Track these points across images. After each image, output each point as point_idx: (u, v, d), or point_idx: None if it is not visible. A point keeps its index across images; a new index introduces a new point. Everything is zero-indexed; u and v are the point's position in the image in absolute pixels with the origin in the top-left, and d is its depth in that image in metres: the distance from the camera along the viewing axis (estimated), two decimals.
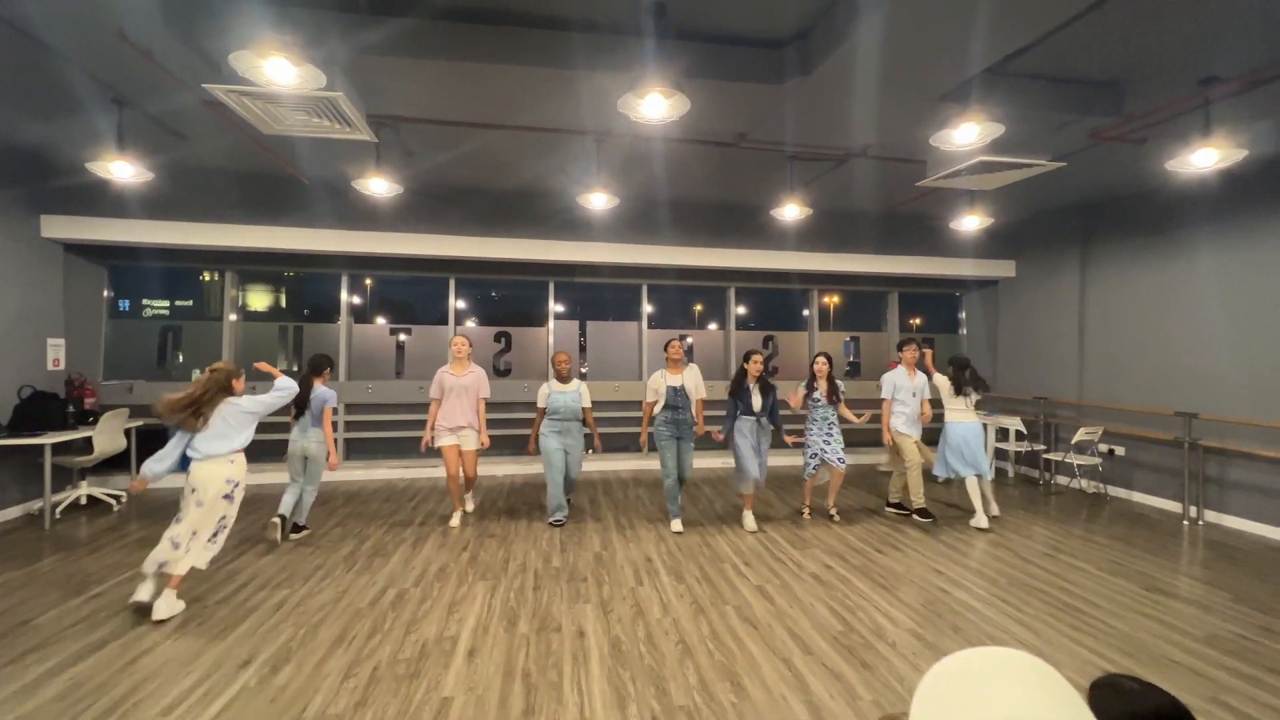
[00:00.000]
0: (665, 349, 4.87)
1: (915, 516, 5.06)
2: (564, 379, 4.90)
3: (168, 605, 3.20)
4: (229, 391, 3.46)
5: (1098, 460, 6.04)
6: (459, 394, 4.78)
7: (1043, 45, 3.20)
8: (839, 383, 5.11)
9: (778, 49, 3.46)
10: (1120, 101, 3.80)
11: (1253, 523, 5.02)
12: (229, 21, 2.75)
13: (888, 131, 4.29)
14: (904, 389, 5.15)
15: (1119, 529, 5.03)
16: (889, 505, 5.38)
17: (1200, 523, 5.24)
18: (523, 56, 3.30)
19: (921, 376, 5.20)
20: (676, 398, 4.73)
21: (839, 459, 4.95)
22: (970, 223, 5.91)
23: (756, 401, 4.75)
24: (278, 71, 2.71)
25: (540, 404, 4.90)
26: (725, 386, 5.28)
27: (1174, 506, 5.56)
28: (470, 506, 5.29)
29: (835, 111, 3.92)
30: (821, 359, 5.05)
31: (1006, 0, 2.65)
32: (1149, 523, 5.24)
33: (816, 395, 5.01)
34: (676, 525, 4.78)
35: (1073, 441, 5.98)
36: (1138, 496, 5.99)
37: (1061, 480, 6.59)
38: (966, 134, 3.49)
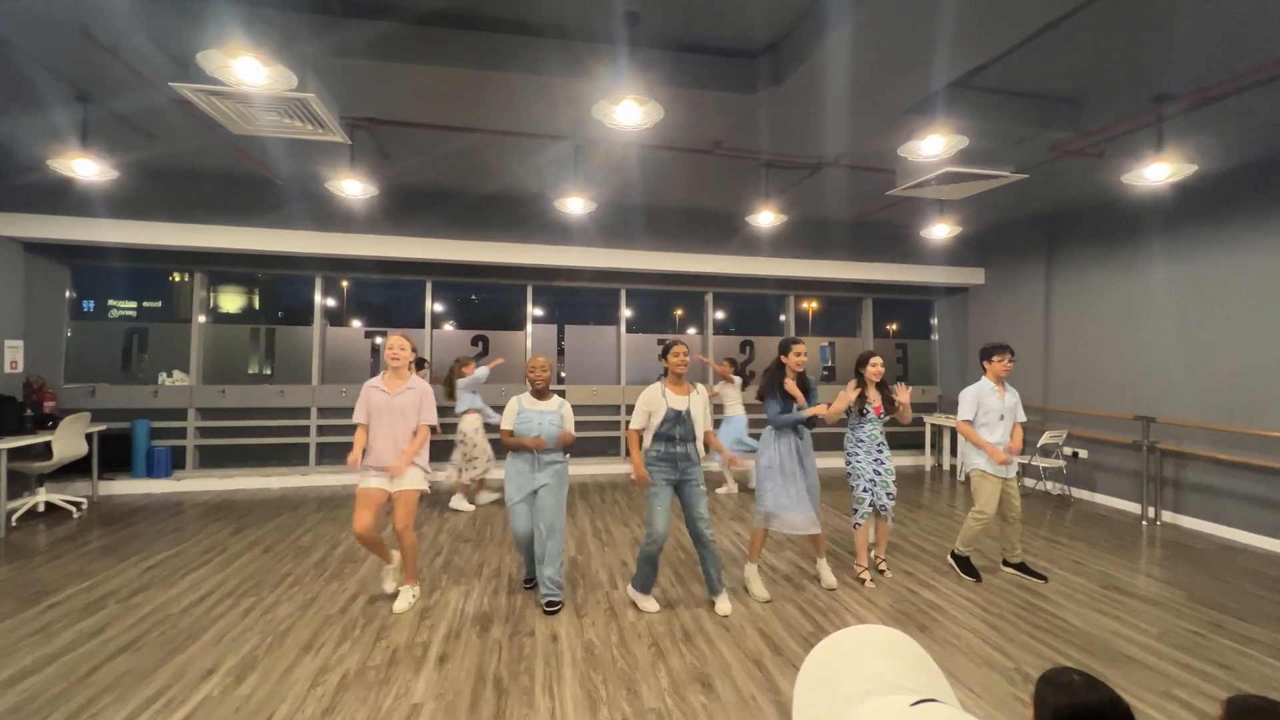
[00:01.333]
0: (664, 356, 3.41)
1: (953, 562, 4.11)
2: (541, 393, 3.53)
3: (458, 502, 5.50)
4: (458, 375, 5.60)
5: (1062, 463, 6.22)
6: (393, 418, 3.36)
7: (1003, 62, 3.32)
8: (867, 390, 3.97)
9: (750, 59, 3.53)
10: (1079, 116, 3.94)
11: (1207, 522, 5.21)
12: (198, 21, 2.72)
13: (858, 141, 4.38)
14: (991, 409, 3.97)
15: (1081, 529, 5.19)
16: (1006, 564, 4.17)
17: (1158, 523, 5.42)
18: (497, 62, 3.31)
19: (1013, 394, 4.05)
20: (677, 425, 3.31)
21: (886, 501, 3.90)
22: (940, 231, 6.06)
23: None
24: (247, 71, 2.68)
25: (506, 425, 3.47)
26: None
27: (1134, 507, 5.75)
28: (403, 604, 3.41)
29: (806, 121, 4.00)
30: (877, 358, 3.94)
31: (966, 18, 2.75)
32: (1110, 523, 5.41)
33: (866, 409, 3.90)
34: (649, 602, 3.43)
35: (1038, 444, 6.15)
36: (1100, 498, 6.18)
37: (1029, 482, 6.76)
38: (932, 145, 3.60)
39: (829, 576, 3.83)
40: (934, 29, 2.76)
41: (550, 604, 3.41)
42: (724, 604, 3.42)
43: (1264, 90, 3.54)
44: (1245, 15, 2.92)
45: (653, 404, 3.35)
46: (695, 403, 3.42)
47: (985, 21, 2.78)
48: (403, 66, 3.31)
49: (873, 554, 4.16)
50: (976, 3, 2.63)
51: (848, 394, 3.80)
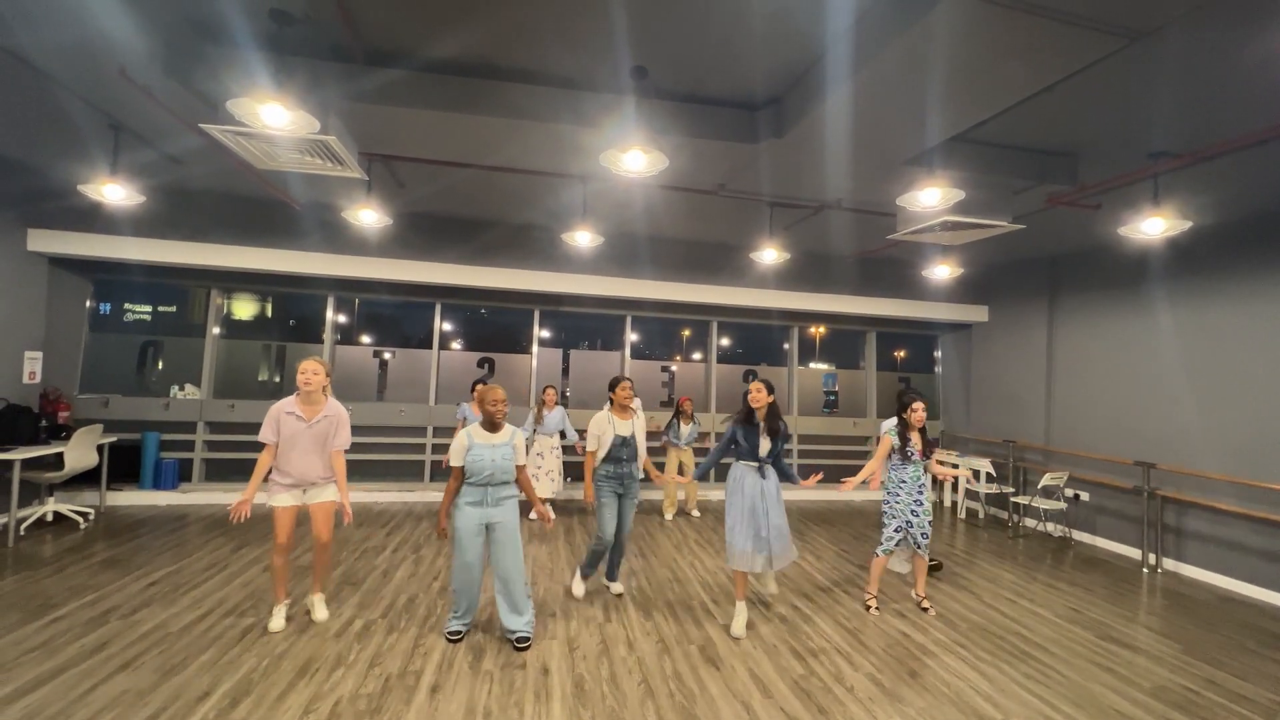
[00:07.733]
0: (612, 389, 4.02)
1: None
2: (494, 425, 3.35)
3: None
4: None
5: (1063, 505, 6.19)
6: (307, 446, 3.34)
7: (1000, 117, 3.41)
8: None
9: (751, 111, 3.66)
10: (1074, 171, 4.03)
11: (1207, 572, 5.16)
12: (229, 70, 2.88)
13: (858, 188, 4.49)
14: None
15: (1080, 575, 5.15)
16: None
17: (1159, 571, 5.38)
18: (510, 110, 3.46)
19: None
20: (624, 449, 3.96)
21: (922, 539, 4.04)
22: (942, 271, 6.14)
23: (764, 445, 3.69)
24: (273, 116, 2.83)
25: (455, 461, 3.31)
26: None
27: (1135, 553, 5.70)
28: (322, 613, 3.59)
29: (807, 169, 4.12)
30: (919, 403, 4.02)
31: (961, 84, 2.85)
32: (1110, 569, 5.37)
33: (910, 449, 4.03)
34: (579, 587, 4.14)
35: (1039, 485, 6.13)
36: (1101, 541, 6.13)
37: (1030, 523, 6.72)
38: (930, 196, 3.69)
39: (740, 624, 3.67)
40: (930, 93, 2.87)
41: (521, 640, 3.36)
42: (617, 586, 4.25)
43: (1253, 153, 3.62)
44: (1229, 86, 3.01)
45: (601, 429, 3.96)
46: (638, 427, 4.06)
47: (980, 87, 2.89)
48: (419, 112, 3.46)
49: (914, 592, 4.28)
50: (970, 71, 2.74)
51: (880, 452, 4.14)
